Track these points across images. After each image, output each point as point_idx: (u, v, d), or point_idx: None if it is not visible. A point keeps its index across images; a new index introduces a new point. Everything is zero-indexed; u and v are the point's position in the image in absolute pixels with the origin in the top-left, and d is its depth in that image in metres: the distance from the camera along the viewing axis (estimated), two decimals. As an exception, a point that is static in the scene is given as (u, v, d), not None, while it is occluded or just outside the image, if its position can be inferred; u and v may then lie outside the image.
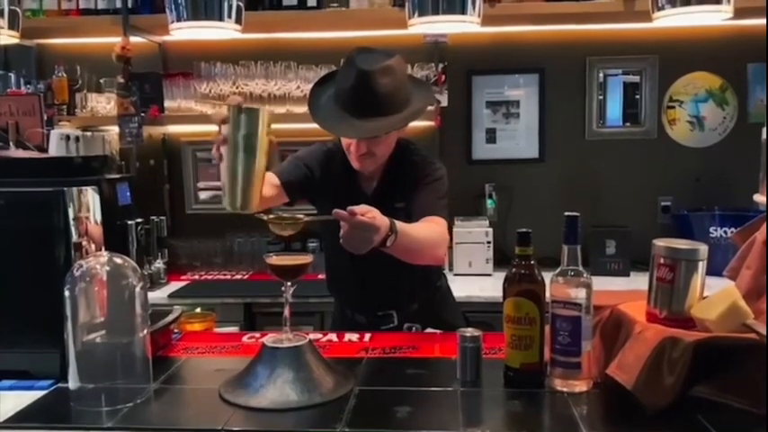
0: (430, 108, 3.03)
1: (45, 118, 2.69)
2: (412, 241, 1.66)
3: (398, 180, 1.90)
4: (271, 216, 1.52)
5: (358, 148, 1.79)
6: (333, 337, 1.78)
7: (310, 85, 3.10)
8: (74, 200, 1.45)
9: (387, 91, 1.72)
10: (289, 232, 1.53)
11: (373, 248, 1.57)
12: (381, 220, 1.55)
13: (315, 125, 3.37)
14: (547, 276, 1.35)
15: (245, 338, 1.78)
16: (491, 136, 3.44)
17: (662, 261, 1.30)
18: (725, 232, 2.96)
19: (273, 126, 3.57)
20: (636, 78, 3.39)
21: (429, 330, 1.92)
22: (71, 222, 1.44)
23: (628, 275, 3.07)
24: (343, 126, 1.76)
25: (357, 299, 2.02)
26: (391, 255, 1.66)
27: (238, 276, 3.22)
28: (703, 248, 1.29)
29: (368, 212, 1.52)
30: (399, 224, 1.61)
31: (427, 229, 1.76)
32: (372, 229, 1.52)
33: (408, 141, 1.97)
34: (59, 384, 1.42)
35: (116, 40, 3.06)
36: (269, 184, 1.82)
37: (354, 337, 1.78)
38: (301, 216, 1.53)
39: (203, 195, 3.49)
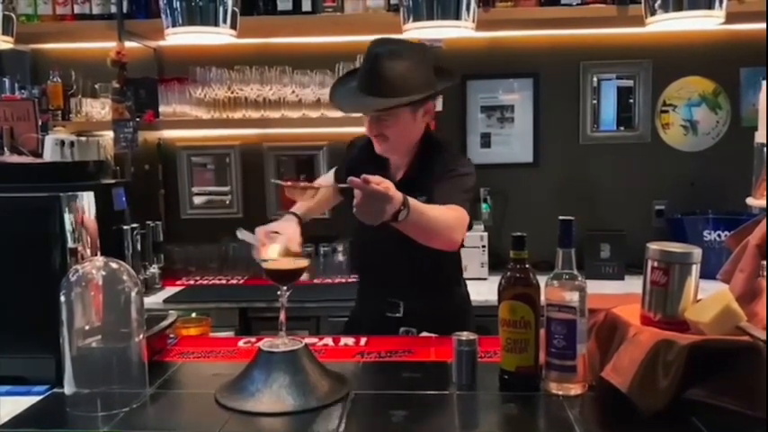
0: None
1: (40, 123, 2.69)
2: (425, 219, 1.67)
3: (424, 172, 1.94)
4: (287, 183, 1.57)
5: (369, 128, 1.91)
6: (328, 341, 1.79)
7: (305, 90, 3.16)
8: (70, 205, 1.45)
9: (392, 74, 1.83)
10: (305, 199, 1.58)
11: (388, 225, 1.61)
12: (395, 192, 1.57)
13: (310, 129, 3.38)
14: (542, 280, 1.36)
15: (240, 343, 1.78)
16: (486, 140, 3.45)
17: (656, 264, 1.30)
18: (718, 236, 2.97)
19: (270, 131, 3.57)
20: (629, 83, 3.40)
21: (425, 334, 1.92)
22: (67, 228, 1.44)
23: (622, 279, 3.08)
24: (349, 101, 1.93)
25: (372, 279, 2.08)
26: (406, 235, 1.69)
27: (234, 281, 3.21)
28: (697, 252, 1.30)
29: (382, 182, 1.54)
30: (413, 201, 1.64)
31: (443, 211, 1.77)
32: (385, 199, 1.53)
33: (441, 138, 2.05)
34: (55, 389, 1.41)
35: (111, 45, 3.06)
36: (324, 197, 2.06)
37: (350, 341, 1.78)
38: (317, 185, 1.57)
39: (198, 200, 3.49)
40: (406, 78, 1.85)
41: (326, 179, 2.21)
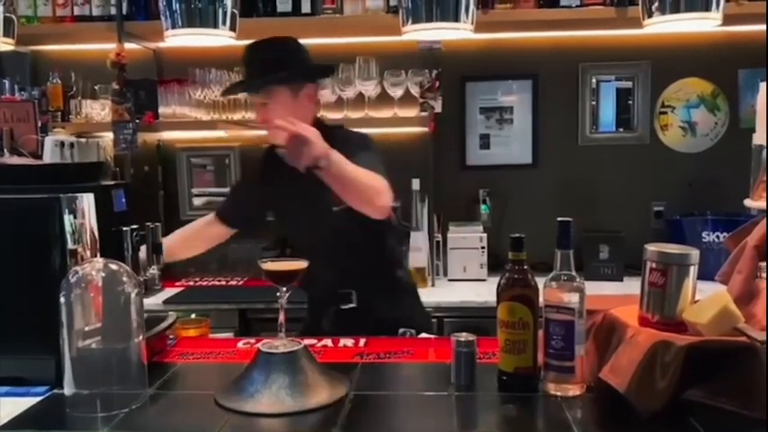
0: (418, 114, 3.06)
1: (39, 124, 2.69)
2: (348, 171, 1.78)
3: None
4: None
5: (258, 113, 2.10)
6: (328, 342, 1.79)
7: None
8: (69, 207, 1.46)
9: (266, 57, 2.05)
10: (239, 133, 1.77)
11: (327, 213, 1.89)
12: (319, 139, 1.74)
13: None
14: (540, 281, 1.36)
15: (240, 344, 1.78)
16: (485, 142, 3.45)
17: (654, 266, 1.31)
18: (717, 237, 2.98)
19: (267, 132, 3.55)
20: (628, 84, 3.41)
21: (423, 335, 1.93)
22: (67, 229, 1.45)
23: (621, 280, 3.09)
24: (238, 86, 2.25)
25: (317, 273, 2.01)
26: (341, 223, 1.92)
27: (233, 282, 3.22)
28: (694, 253, 1.30)
29: (309, 129, 1.74)
30: (338, 155, 1.77)
31: (366, 171, 1.84)
32: (308, 142, 1.71)
33: (336, 124, 2.22)
34: (55, 390, 1.42)
35: (111, 46, 3.07)
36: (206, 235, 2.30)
37: (349, 342, 1.79)
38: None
39: (198, 202, 3.49)
40: (279, 61, 2.04)
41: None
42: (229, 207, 2.31)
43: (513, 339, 1.36)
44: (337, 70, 3.10)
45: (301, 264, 1.47)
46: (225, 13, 2.07)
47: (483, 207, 3.32)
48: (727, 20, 2.12)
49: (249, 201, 2.27)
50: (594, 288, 1.38)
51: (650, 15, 2.03)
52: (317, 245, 2.03)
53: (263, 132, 3.33)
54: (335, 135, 1.99)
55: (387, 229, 2.11)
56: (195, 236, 2.30)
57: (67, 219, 1.45)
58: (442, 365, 1.51)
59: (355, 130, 2.17)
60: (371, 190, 1.86)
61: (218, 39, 2.14)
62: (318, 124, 2.03)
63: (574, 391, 1.34)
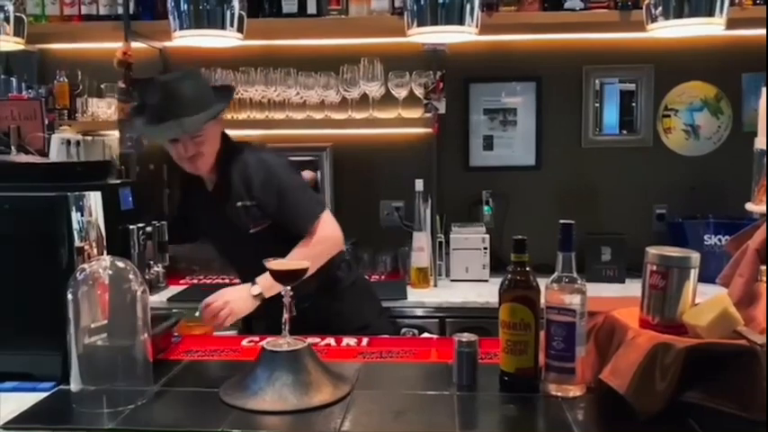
0: (422, 115, 3.08)
1: (46, 122, 2.72)
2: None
3: (230, 178, 2.07)
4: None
5: (186, 150, 2.00)
6: (331, 341, 1.80)
7: (310, 92, 3.18)
8: (77, 205, 1.48)
9: (191, 92, 1.98)
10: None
11: (243, 234, 2.03)
12: (232, 295, 1.95)
13: (314, 131, 3.39)
14: (542, 283, 1.38)
15: (244, 342, 1.80)
16: (488, 143, 3.46)
17: (654, 268, 1.32)
18: (719, 240, 2.99)
19: (274, 132, 3.59)
20: (632, 87, 3.41)
21: (425, 335, 1.94)
22: (74, 227, 1.46)
23: (623, 282, 3.09)
24: (166, 129, 1.97)
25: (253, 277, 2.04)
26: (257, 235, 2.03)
27: (237, 281, 3.22)
28: (695, 256, 1.31)
29: (212, 303, 1.93)
30: (265, 279, 1.91)
31: (304, 254, 1.94)
32: (231, 304, 1.93)
33: (229, 138, 2.16)
34: (61, 386, 1.44)
35: (117, 45, 3.08)
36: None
37: (352, 341, 1.80)
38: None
39: (202, 200, 3.50)
40: (203, 94, 2.01)
41: None
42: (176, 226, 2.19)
43: (515, 340, 1.37)
44: (342, 71, 3.12)
45: (304, 263, 1.49)
46: (233, 15, 2.08)
47: (486, 208, 3.33)
48: (731, 24, 2.13)
49: (186, 211, 2.30)
50: (596, 290, 1.39)
51: (654, 20, 2.04)
52: (241, 260, 2.14)
53: (265, 132, 3.36)
54: (236, 159, 2.07)
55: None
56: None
57: (75, 216, 1.47)
58: (444, 365, 1.53)
59: (255, 156, 2.11)
60: (327, 252, 2.05)
61: (226, 40, 2.16)
62: (226, 145, 2.10)
63: (574, 392, 1.35)
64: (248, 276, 2.04)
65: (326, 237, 2.06)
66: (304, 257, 1.85)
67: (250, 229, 2.05)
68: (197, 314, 2.00)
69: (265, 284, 1.95)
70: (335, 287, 2.17)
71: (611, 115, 3.45)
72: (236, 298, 1.96)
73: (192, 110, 1.95)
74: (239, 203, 2.05)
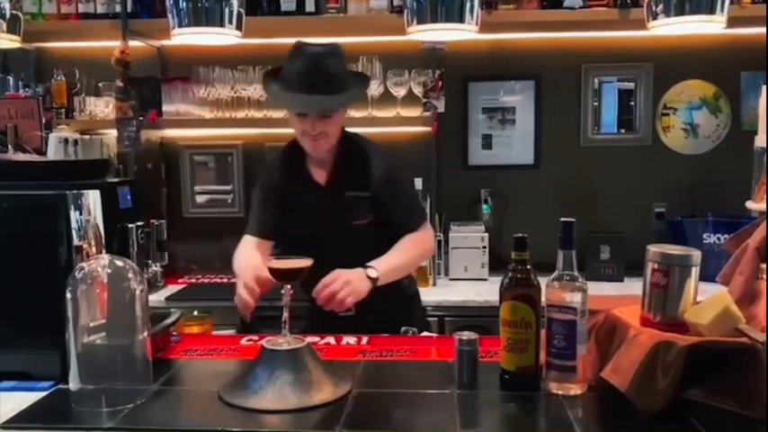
0: (421, 114, 3.08)
1: (44, 121, 2.70)
2: (400, 268, 1.98)
3: (349, 168, 2.02)
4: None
5: (313, 127, 1.92)
6: (331, 339, 1.80)
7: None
8: (76, 203, 1.47)
9: (335, 71, 1.91)
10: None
11: (346, 225, 1.96)
12: (350, 275, 1.81)
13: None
14: (542, 281, 1.37)
15: (243, 341, 1.79)
16: (487, 142, 3.46)
17: (656, 267, 1.32)
18: (718, 238, 2.99)
19: (272, 131, 3.59)
20: (630, 85, 3.42)
21: (425, 334, 1.94)
22: (73, 225, 1.46)
23: (622, 280, 3.09)
24: (308, 102, 1.90)
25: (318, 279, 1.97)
26: (359, 237, 1.97)
27: (235, 280, 3.21)
28: (696, 254, 1.31)
29: (330, 284, 1.78)
30: (381, 263, 1.88)
31: (411, 249, 2.01)
32: (350, 287, 1.79)
33: (345, 130, 2.09)
34: (60, 385, 1.43)
35: (115, 44, 3.08)
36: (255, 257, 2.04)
37: (352, 340, 1.80)
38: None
39: (200, 199, 3.50)
40: (344, 74, 1.97)
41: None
42: (267, 222, 2.12)
43: (516, 338, 1.37)
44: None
45: (306, 262, 1.48)
46: (231, 13, 2.08)
47: (485, 207, 3.33)
48: (730, 22, 2.13)
49: (277, 206, 2.10)
50: (595, 288, 1.39)
51: (654, 18, 2.04)
52: (326, 254, 1.87)
53: (263, 131, 3.35)
54: (353, 149, 2.03)
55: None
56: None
57: (74, 215, 1.46)
58: (444, 364, 1.52)
59: (368, 141, 2.12)
60: (420, 260, 2.10)
61: (225, 38, 2.15)
62: (347, 140, 2.05)
63: (575, 390, 1.35)
64: (328, 268, 1.90)
65: (429, 240, 2.11)
66: (411, 250, 2.01)
67: (353, 221, 1.99)
68: (195, 313, 1.99)
69: (383, 270, 1.89)
70: (399, 295, 2.10)
71: (609, 114, 3.45)
72: (355, 278, 1.82)
73: (336, 88, 1.90)
74: (352, 193, 1.99)
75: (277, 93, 1.96)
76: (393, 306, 1.99)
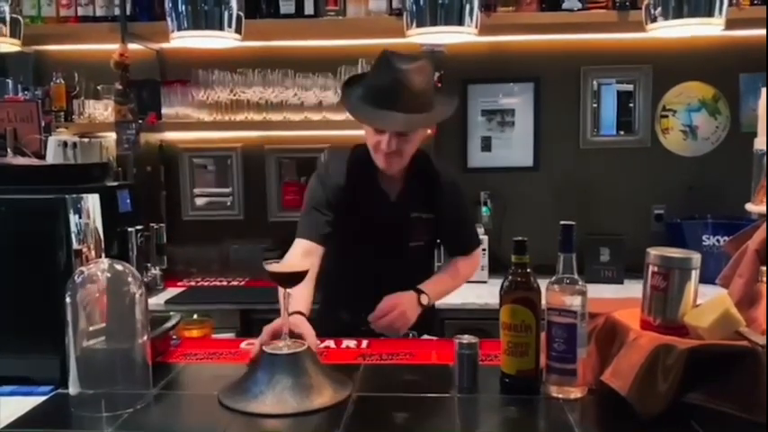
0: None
1: (43, 124, 2.70)
2: (446, 291, 2.07)
3: (420, 185, 1.98)
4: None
5: (389, 144, 1.83)
6: (330, 343, 1.80)
7: (307, 93, 3.17)
8: (75, 207, 1.47)
9: (421, 89, 1.80)
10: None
11: (401, 245, 1.97)
12: (407, 303, 1.88)
13: (311, 132, 3.37)
14: (542, 284, 1.37)
15: (243, 345, 1.79)
16: (486, 144, 3.46)
17: (656, 269, 1.32)
18: (717, 240, 2.99)
19: (272, 133, 3.58)
20: (630, 87, 3.42)
21: (425, 337, 1.93)
22: (72, 229, 1.45)
23: (621, 283, 3.09)
24: (388, 119, 1.80)
25: (352, 296, 1.99)
26: (402, 260, 1.97)
27: (235, 283, 3.23)
28: (696, 257, 1.31)
29: (387, 313, 1.84)
30: (429, 288, 1.95)
31: (461, 278, 2.11)
32: (404, 317, 1.86)
33: (420, 149, 2.00)
34: (59, 390, 1.43)
35: (114, 47, 3.08)
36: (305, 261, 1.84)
37: (352, 343, 1.79)
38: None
39: (200, 202, 3.50)
40: (430, 92, 1.86)
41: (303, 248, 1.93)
42: (323, 223, 1.94)
43: (516, 342, 1.36)
44: (340, 72, 3.12)
45: (305, 265, 1.48)
46: (230, 15, 2.08)
47: (484, 209, 3.33)
48: (729, 24, 2.13)
49: (338, 210, 1.97)
50: (594, 291, 1.38)
51: (653, 20, 2.04)
52: (373, 267, 1.94)
53: (262, 134, 3.35)
54: (425, 168, 2.00)
55: (433, 270, 2.15)
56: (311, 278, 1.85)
57: (73, 219, 1.46)
58: (444, 367, 1.52)
59: (440, 161, 2.11)
60: (463, 281, 2.13)
61: (224, 40, 2.15)
62: (420, 157, 1.99)
63: (576, 393, 1.35)
64: (387, 288, 1.92)
65: (478, 264, 2.23)
66: (461, 275, 2.11)
67: (410, 243, 1.99)
68: (195, 316, 1.99)
69: (434, 296, 1.98)
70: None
71: (608, 116, 3.45)
72: (410, 308, 1.89)
73: (420, 107, 1.81)
74: (416, 214, 1.97)
75: (356, 104, 1.87)
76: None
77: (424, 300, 1.92)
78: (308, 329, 1.59)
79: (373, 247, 1.94)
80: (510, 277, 1.38)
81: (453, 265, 2.08)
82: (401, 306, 1.86)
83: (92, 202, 1.52)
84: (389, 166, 1.89)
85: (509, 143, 3.45)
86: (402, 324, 1.86)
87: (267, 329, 1.56)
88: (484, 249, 3.12)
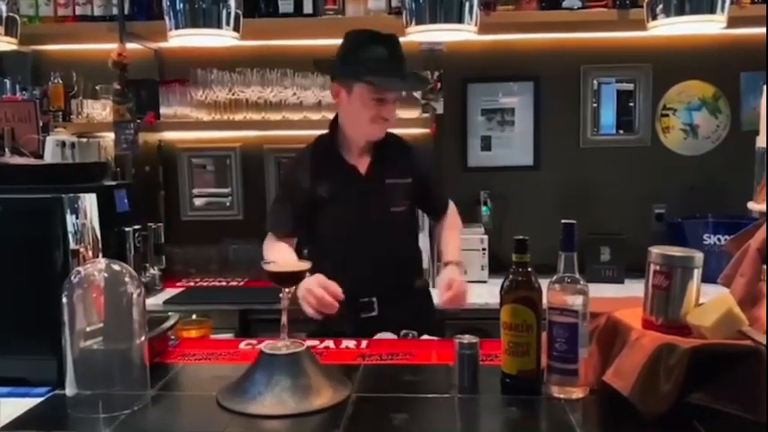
0: (419, 116, 3.08)
1: (41, 124, 2.70)
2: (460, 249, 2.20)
3: (386, 156, 2.09)
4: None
5: (390, 111, 1.99)
6: (330, 343, 1.79)
7: (306, 92, 3.16)
8: (72, 207, 1.46)
9: (402, 55, 1.98)
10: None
11: (384, 212, 2.03)
12: (463, 284, 1.96)
13: (310, 131, 3.36)
14: (543, 283, 1.36)
15: (241, 345, 1.78)
16: (486, 143, 3.45)
17: (658, 268, 1.31)
18: (718, 239, 2.98)
19: (271, 133, 3.57)
20: (630, 86, 3.41)
21: (425, 337, 1.92)
22: (69, 229, 1.44)
23: (622, 282, 3.08)
24: (401, 84, 2.04)
25: (340, 280, 1.94)
26: (390, 233, 2.05)
27: (234, 283, 3.22)
28: (699, 256, 1.30)
29: (452, 284, 1.93)
30: (458, 255, 2.10)
31: (460, 231, 2.30)
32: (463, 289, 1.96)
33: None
34: (56, 391, 1.41)
35: (112, 46, 3.07)
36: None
37: (351, 344, 1.78)
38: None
39: (199, 202, 3.49)
40: (402, 60, 2.01)
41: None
42: (283, 220, 2.11)
43: (517, 342, 1.35)
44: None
45: (304, 265, 1.47)
46: (229, 14, 2.07)
47: (484, 209, 3.32)
48: (730, 22, 2.12)
49: (300, 201, 2.07)
50: (595, 290, 1.37)
51: (654, 18, 2.03)
52: (364, 240, 2.02)
53: (261, 133, 3.34)
54: (387, 140, 2.09)
55: (418, 232, 2.27)
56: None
57: (70, 219, 1.45)
58: (445, 367, 1.51)
59: (406, 140, 2.22)
60: (461, 227, 2.33)
61: (222, 39, 2.14)
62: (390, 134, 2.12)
63: (577, 393, 1.34)
64: (365, 277, 1.98)
65: (457, 213, 2.31)
66: (459, 229, 2.27)
67: (391, 208, 2.06)
68: (194, 316, 1.98)
69: (459, 255, 2.11)
70: (414, 295, 2.15)
71: (608, 115, 3.44)
72: (465, 282, 1.99)
73: (406, 73, 2.01)
74: (391, 181, 2.06)
75: (363, 76, 1.93)
76: (409, 306, 2.05)
77: (462, 267, 2.06)
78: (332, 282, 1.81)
79: (357, 220, 2.03)
80: (511, 276, 1.37)
81: (449, 225, 2.23)
82: (458, 277, 1.98)
83: (89, 201, 1.51)
84: (382, 131, 2.04)
85: (509, 142, 3.44)
86: (465, 291, 1.97)
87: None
88: (484, 249, 3.13)
